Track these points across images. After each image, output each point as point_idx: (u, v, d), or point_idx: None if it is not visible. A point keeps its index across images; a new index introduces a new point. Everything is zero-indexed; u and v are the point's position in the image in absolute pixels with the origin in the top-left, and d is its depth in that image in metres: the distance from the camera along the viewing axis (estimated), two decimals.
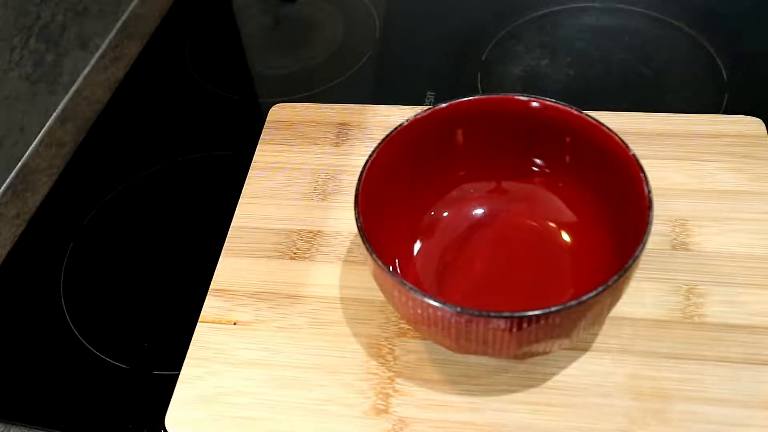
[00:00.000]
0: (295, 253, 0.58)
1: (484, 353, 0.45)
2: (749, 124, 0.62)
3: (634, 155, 0.48)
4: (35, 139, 0.75)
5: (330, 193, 0.62)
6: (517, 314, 0.41)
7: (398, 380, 0.50)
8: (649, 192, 0.46)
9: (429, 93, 0.74)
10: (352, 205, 0.47)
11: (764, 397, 0.47)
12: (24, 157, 0.74)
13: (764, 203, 0.57)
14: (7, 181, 0.72)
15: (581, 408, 0.48)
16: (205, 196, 0.69)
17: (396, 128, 0.51)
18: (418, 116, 0.52)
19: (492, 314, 0.41)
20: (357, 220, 0.46)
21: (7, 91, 0.71)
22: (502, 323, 0.41)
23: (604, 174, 0.51)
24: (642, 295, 0.52)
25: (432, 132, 0.53)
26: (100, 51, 0.84)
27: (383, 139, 0.51)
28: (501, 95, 0.52)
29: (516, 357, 0.47)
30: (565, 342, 0.45)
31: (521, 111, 0.52)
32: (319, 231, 0.59)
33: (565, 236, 0.54)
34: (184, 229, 0.67)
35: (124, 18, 0.88)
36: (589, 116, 0.50)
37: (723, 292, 0.52)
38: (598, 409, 0.47)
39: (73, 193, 0.71)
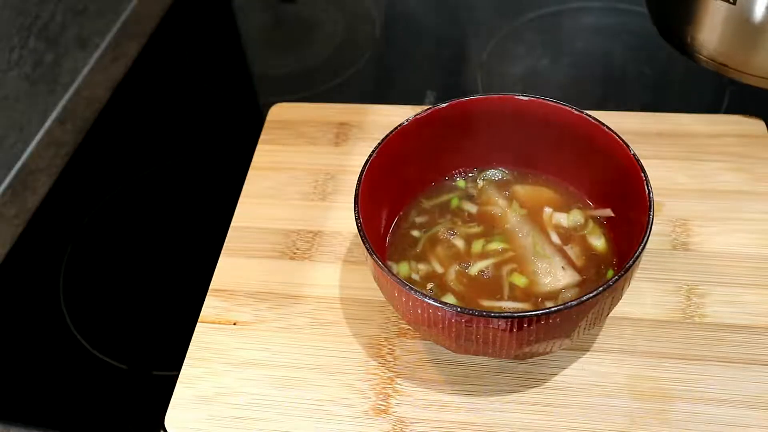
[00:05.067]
0: (295, 253, 0.58)
1: (484, 353, 0.45)
2: (749, 124, 0.62)
3: (634, 155, 0.48)
4: (35, 139, 0.75)
5: (330, 193, 0.62)
6: (517, 314, 0.41)
7: (398, 380, 0.50)
8: (650, 192, 0.46)
9: (429, 93, 0.74)
10: (352, 205, 0.47)
11: (764, 397, 0.47)
12: (23, 157, 0.74)
13: (764, 203, 0.57)
14: (7, 181, 0.72)
15: (581, 408, 0.48)
16: (205, 196, 0.69)
17: (396, 128, 0.51)
18: (418, 116, 0.52)
19: (492, 314, 0.41)
20: (357, 220, 0.46)
21: (6, 91, 0.71)
22: (502, 323, 0.41)
23: (605, 174, 0.50)
24: (642, 295, 0.52)
25: (432, 132, 0.53)
26: (100, 51, 0.84)
27: (383, 139, 0.50)
28: (501, 95, 0.52)
29: (516, 357, 0.47)
30: (566, 342, 0.45)
31: (521, 111, 0.52)
32: (319, 231, 0.59)
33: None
34: (184, 229, 0.67)
35: (123, 18, 0.88)
36: (589, 116, 0.50)
37: (723, 292, 0.52)
38: (598, 409, 0.47)
39: (73, 194, 0.71)
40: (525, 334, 0.42)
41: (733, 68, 0.55)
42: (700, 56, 0.55)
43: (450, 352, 0.49)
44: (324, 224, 0.60)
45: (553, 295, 0.49)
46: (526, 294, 0.49)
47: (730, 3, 0.49)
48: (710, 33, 0.54)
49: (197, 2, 0.93)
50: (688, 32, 0.55)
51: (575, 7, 0.82)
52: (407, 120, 0.51)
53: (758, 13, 0.50)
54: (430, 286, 0.50)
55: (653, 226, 0.45)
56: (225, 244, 0.59)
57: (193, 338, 0.54)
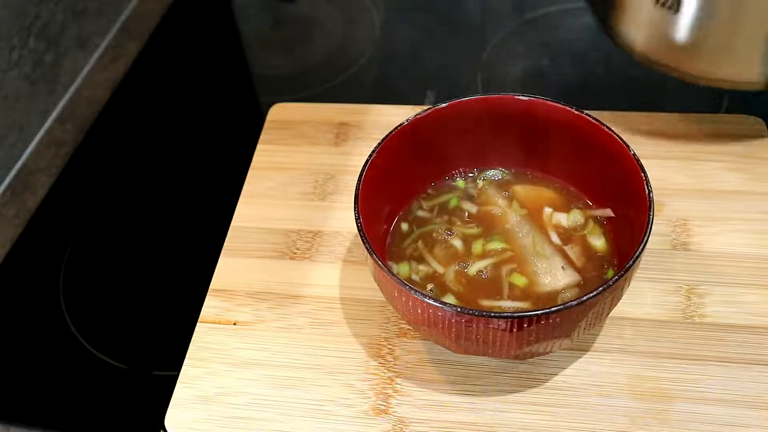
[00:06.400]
0: (295, 253, 0.58)
1: (484, 353, 0.45)
2: (749, 124, 0.62)
3: (634, 155, 0.48)
4: (35, 139, 0.75)
5: (330, 193, 0.62)
6: (517, 314, 0.41)
7: (398, 380, 0.50)
8: (650, 192, 0.46)
9: (429, 93, 0.74)
10: (352, 205, 0.47)
11: (764, 397, 0.47)
12: (23, 157, 0.74)
13: (764, 203, 0.57)
14: (7, 181, 0.72)
15: (581, 408, 0.48)
16: (205, 196, 0.69)
17: (396, 128, 0.51)
18: (418, 116, 0.52)
19: (492, 314, 0.41)
20: (357, 220, 0.46)
21: (6, 91, 0.71)
22: (502, 323, 0.41)
23: (605, 174, 0.50)
24: (642, 295, 0.52)
25: (432, 132, 0.53)
26: (100, 51, 0.84)
27: (383, 139, 0.51)
28: (501, 95, 0.52)
29: (516, 357, 0.47)
30: (566, 342, 0.45)
31: (521, 111, 0.52)
32: (319, 231, 0.59)
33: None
34: (184, 229, 0.67)
35: (123, 18, 0.88)
36: (590, 116, 0.50)
37: (723, 292, 0.52)
38: (598, 409, 0.47)
39: (73, 194, 0.71)
40: (525, 334, 0.42)
41: (666, 66, 0.55)
42: (633, 52, 0.56)
43: (450, 352, 0.49)
44: (324, 224, 0.60)
45: (552, 295, 0.49)
46: (526, 294, 0.49)
47: (672, 11, 0.49)
48: (640, 30, 0.54)
49: (197, 2, 0.93)
50: (621, 27, 0.56)
51: (575, 7, 0.82)
52: (407, 120, 0.51)
53: (690, 16, 0.51)
54: (430, 286, 0.50)
55: (653, 226, 0.45)
56: (225, 244, 0.59)
57: (193, 338, 0.54)
